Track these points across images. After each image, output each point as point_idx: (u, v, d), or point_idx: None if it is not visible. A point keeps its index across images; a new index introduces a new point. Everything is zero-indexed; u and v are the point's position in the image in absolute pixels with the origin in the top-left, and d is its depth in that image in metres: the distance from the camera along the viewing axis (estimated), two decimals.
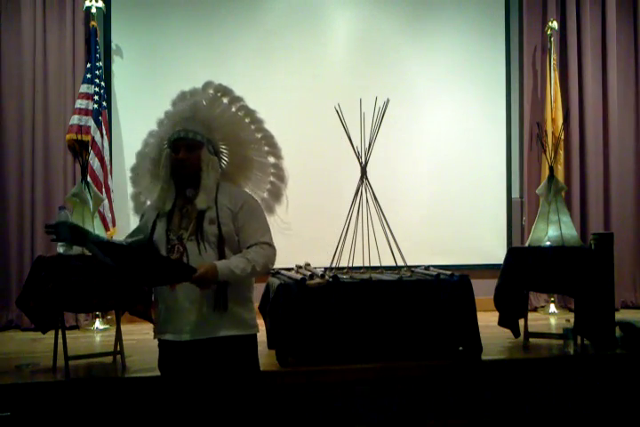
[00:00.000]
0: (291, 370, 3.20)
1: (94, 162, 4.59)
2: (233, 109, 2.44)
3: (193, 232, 2.18)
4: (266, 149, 2.47)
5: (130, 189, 2.57)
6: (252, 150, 2.44)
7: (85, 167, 3.69)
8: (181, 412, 2.23)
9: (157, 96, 5.18)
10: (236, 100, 2.46)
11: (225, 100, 2.44)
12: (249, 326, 2.24)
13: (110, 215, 4.70)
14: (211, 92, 2.45)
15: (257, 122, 2.46)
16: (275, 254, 2.27)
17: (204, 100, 2.40)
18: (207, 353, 2.16)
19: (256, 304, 3.85)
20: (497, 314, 3.88)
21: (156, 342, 2.27)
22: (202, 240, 2.17)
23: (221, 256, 2.16)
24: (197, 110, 2.34)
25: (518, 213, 5.58)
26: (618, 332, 3.74)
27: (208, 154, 2.28)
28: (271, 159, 2.49)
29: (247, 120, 2.45)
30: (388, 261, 3.77)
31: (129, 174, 2.53)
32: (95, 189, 3.74)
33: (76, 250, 3.33)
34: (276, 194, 2.51)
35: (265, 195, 2.49)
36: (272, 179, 2.50)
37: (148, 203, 2.46)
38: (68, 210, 3.22)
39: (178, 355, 2.19)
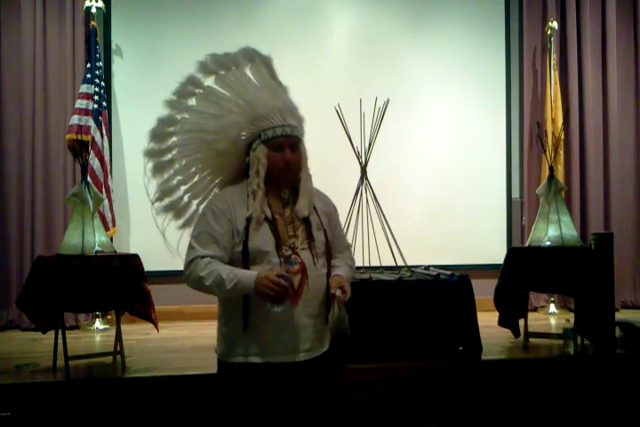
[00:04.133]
0: None
1: (94, 162, 4.58)
2: (287, 89, 2.10)
3: (304, 240, 1.92)
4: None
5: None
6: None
7: (85, 167, 3.69)
8: None
9: (157, 96, 5.20)
10: (275, 75, 2.11)
11: (277, 83, 2.09)
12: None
13: (110, 215, 4.69)
14: (261, 65, 2.07)
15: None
16: None
17: (270, 80, 2.04)
18: (311, 372, 1.94)
19: None
20: (497, 314, 3.88)
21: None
22: (313, 248, 1.93)
23: (329, 265, 1.98)
24: (285, 98, 2.01)
25: (518, 213, 5.58)
26: (618, 332, 3.74)
27: (305, 150, 2.01)
28: None
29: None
30: (388, 261, 3.77)
31: (148, 164, 2.07)
32: (95, 189, 3.73)
33: (76, 250, 3.33)
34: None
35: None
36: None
37: (186, 199, 2.11)
38: (68, 210, 3.21)
39: (286, 377, 1.91)
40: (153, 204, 2.09)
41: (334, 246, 2.04)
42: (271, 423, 1.89)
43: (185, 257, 1.94)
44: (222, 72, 2.03)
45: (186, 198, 2.12)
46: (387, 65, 5.40)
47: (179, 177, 2.09)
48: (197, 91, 2.06)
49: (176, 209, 2.12)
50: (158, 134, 2.06)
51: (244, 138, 1.99)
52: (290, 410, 1.92)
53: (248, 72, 2.05)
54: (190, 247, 1.92)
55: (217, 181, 2.13)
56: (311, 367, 1.95)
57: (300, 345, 1.91)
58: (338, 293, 1.87)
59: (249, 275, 1.81)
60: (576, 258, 3.74)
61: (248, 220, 1.89)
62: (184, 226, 2.12)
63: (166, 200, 2.10)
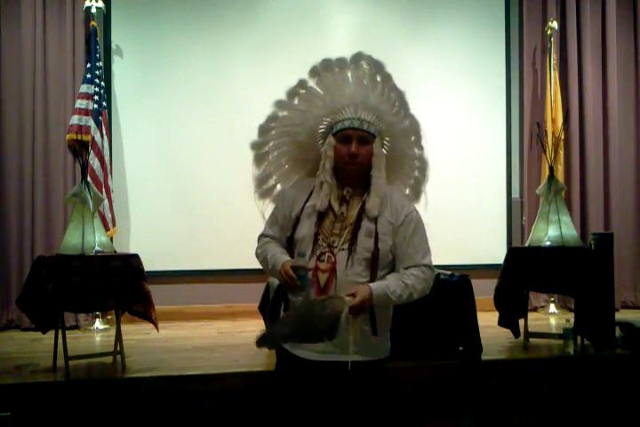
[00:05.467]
0: None
1: (94, 162, 4.58)
2: (386, 91, 2.14)
3: (347, 241, 1.91)
4: (412, 138, 2.23)
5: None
6: (406, 141, 2.19)
7: (85, 167, 3.69)
8: None
9: (157, 96, 5.24)
10: (387, 78, 2.18)
11: (379, 79, 2.15)
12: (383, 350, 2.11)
13: (110, 215, 4.69)
14: (365, 66, 2.15)
15: (405, 106, 2.18)
16: (433, 279, 2.03)
17: (364, 79, 2.11)
18: (326, 375, 1.95)
19: (255, 304, 3.89)
20: (497, 314, 3.88)
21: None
22: (354, 252, 1.90)
23: (373, 275, 1.92)
24: (367, 95, 2.05)
25: (518, 213, 5.58)
26: (618, 332, 3.73)
27: (380, 148, 2.02)
28: (416, 151, 2.26)
29: (397, 104, 2.16)
30: None
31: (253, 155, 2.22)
32: (95, 189, 3.73)
33: (76, 250, 3.33)
34: (417, 191, 2.31)
35: (407, 191, 2.28)
36: (416, 173, 2.28)
37: (279, 188, 2.23)
38: (68, 210, 3.22)
39: (300, 373, 1.98)
40: (255, 193, 2.24)
41: (399, 261, 1.99)
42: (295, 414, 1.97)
43: None
44: (324, 73, 2.14)
45: (278, 186, 2.25)
46: (387, 65, 5.36)
47: (271, 167, 2.23)
48: (301, 91, 2.18)
49: (272, 195, 2.26)
50: (263, 129, 2.22)
51: (321, 131, 2.09)
52: (307, 406, 1.95)
53: (349, 73, 2.13)
54: (264, 225, 2.12)
55: (301, 172, 2.23)
56: (327, 371, 1.93)
57: (314, 345, 1.89)
58: (347, 299, 1.81)
59: (281, 260, 1.93)
60: (576, 258, 3.74)
61: (302, 209, 1.98)
62: None
63: (263, 187, 2.25)
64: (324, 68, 2.14)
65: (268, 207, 2.26)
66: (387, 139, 2.14)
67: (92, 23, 4.79)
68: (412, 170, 2.26)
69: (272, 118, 2.21)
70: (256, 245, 2.14)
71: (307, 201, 2.00)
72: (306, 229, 1.95)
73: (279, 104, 2.21)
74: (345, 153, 1.96)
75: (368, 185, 2.00)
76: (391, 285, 1.92)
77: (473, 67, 5.54)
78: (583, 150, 5.51)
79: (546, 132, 4.87)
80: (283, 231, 2.05)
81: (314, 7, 5.34)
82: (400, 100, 2.15)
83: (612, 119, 5.54)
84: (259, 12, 5.26)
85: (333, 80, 2.11)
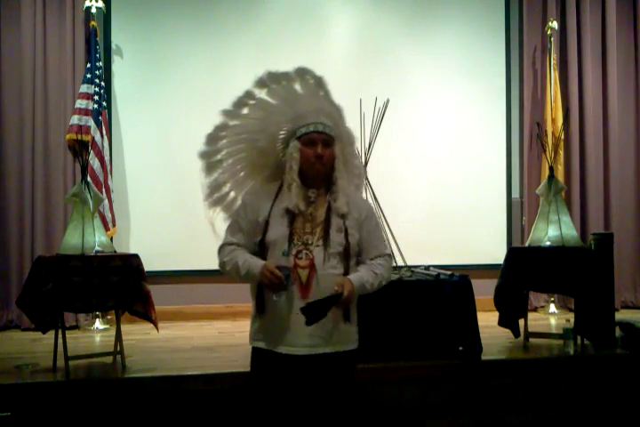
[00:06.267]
0: None
1: (94, 162, 4.59)
2: (333, 103, 2.26)
3: (320, 238, 2.03)
4: (353, 148, 2.39)
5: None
6: (350, 149, 2.32)
7: (85, 167, 3.69)
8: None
9: (157, 96, 5.24)
10: (329, 93, 2.29)
11: (321, 93, 2.27)
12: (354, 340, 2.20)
13: (110, 215, 4.69)
14: (311, 81, 2.25)
15: (345, 119, 2.31)
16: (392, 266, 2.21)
17: (314, 91, 2.23)
18: (314, 368, 2.07)
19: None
20: (497, 314, 3.88)
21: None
22: (329, 247, 2.03)
23: (346, 267, 2.06)
24: (323, 103, 2.19)
25: (518, 213, 5.58)
26: (618, 332, 3.74)
27: (339, 151, 2.14)
28: (356, 160, 2.42)
29: (342, 116, 2.30)
30: None
31: (202, 164, 2.30)
32: (95, 189, 3.73)
33: (76, 250, 3.33)
34: (360, 188, 2.46)
35: (352, 190, 2.35)
36: (357, 180, 2.41)
37: (232, 195, 2.32)
38: (68, 210, 3.22)
39: (287, 368, 2.06)
40: (204, 201, 2.31)
41: (365, 252, 2.14)
42: (278, 412, 2.06)
43: None
44: (274, 86, 2.26)
45: (232, 194, 2.34)
46: (387, 65, 5.40)
47: (225, 175, 2.31)
48: (250, 102, 2.29)
49: (223, 204, 2.34)
50: (211, 138, 2.29)
51: (282, 137, 2.20)
52: (290, 402, 2.06)
53: (297, 86, 2.26)
54: (224, 235, 2.17)
55: (258, 178, 2.32)
56: (314, 364, 2.05)
57: (300, 339, 2.02)
58: (340, 289, 1.96)
59: (258, 264, 2.00)
60: (576, 258, 3.74)
61: (270, 212, 2.07)
62: (230, 219, 2.30)
63: (215, 195, 2.32)
64: (272, 81, 2.26)
65: (219, 216, 2.33)
66: (339, 145, 2.24)
67: (92, 23, 4.80)
68: (353, 176, 2.36)
69: (222, 127, 2.29)
70: (218, 254, 2.19)
71: (273, 205, 2.10)
72: (279, 230, 2.04)
73: (228, 113, 2.29)
74: (311, 155, 2.07)
75: (330, 185, 2.13)
76: (364, 276, 2.07)
77: (473, 67, 5.54)
78: (583, 150, 5.51)
79: (546, 132, 4.87)
80: (249, 237, 2.11)
81: (314, 7, 5.35)
82: (342, 112, 2.28)
83: (612, 119, 5.54)
84: (259, 12, 5.26)
85: (286, 91, 2.24)
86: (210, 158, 2.30)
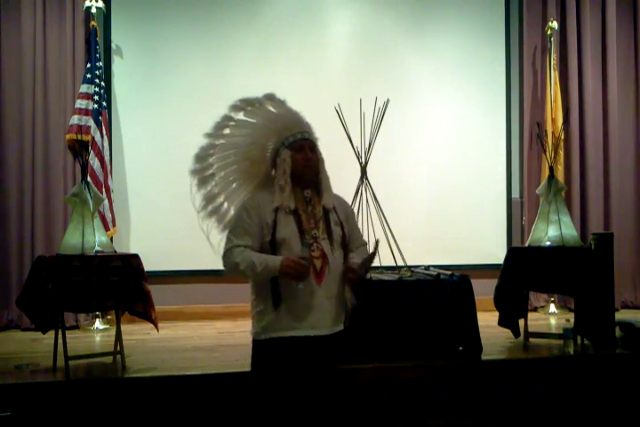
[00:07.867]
0: None
1: (94, 162, 4.59)
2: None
3: (324, 231, 2.29)
4: (321, 156, 2.55)
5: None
6: (320, 157, 2.48)
7: (85, 167, 3.69)
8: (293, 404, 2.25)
9: (157, 96, 5.24)
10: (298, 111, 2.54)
11: (293, 110, 2.49)
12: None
13: (110, 215, 4.70)
14: (281, 101, 2.49)
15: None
16: None
17: (288, 108, 2.47)
18: (331, 346, 2.30)
19: None
20: (497, 314, 3.88)
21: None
22: (333, 239, 2.29)
23: (346, 255, 2.33)
24: (299, 116, 2.44)
25: (518, 213, 5.59)
26: (618, 332, 3.74)
27: (321, 155, 2.40)
28: (324, 168, 2.55)
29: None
30: (388, 261, 3.77)
31: (193, 180, 2.45)
32: (95, 189, 3.73)
33: (76, 250, 3.33)
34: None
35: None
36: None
37: (226, 206, 2.49)
38: (68, 210, 3.21)
39: (311, 349, 2.25)
40: (199, 212, 2.46)
41: (352, 242, 2.41)
42: (297, 397, 2.22)
43: (223, 249, 2.31)
44: (249, 108, 2.49)
45: (226, 204, 2.49)
46: (387, 65, 5.41)
47: (219, 186, 2.48)
48: (231, 123, 2.49)
49: (218, 214, 2.48)
50: (200, 157, 2.46)
51: (270, 148, 2.40)
52: (311, 381, 2.25)
53: (270, 107, 2.49)
54: (227, 240, 2.30)
55: (250, 187, 2.49)
56: (331, 342, 2.29)
57: (322, 321, 2.25)
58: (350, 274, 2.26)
59: (276, 259, 2.19)
60: (576, 258, 3.74)
61: (275, 213, 2.25)
62: (225, 228, 2.44)
63: (210, 207, 2.47)
64: (246, 104, 2.48)
65: (213, 226, 2.46)
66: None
67: (92, 23, 4.80)
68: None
69: (209, 147, 2.47)
70: (225, 257, 2.31)
71: (274, 206, 2.28)
72: (288, 228, 2.24)
73: (211, 135, 2.48)
74: (302, 159, 2.32)
75: (319, 185, 2.37)
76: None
77: (473, 67, 5.55)
78: (583, 150, 5.52)
79: (546, 132, 4.87)
80: (255, 239, 2.27)
81: (314, 7, 5.35)
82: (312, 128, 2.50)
83: (611, 119, 5.55)
84: (259, 12, 5.26)
85: (261, 110, 2.47)
86: (201, 174, 2.46)
